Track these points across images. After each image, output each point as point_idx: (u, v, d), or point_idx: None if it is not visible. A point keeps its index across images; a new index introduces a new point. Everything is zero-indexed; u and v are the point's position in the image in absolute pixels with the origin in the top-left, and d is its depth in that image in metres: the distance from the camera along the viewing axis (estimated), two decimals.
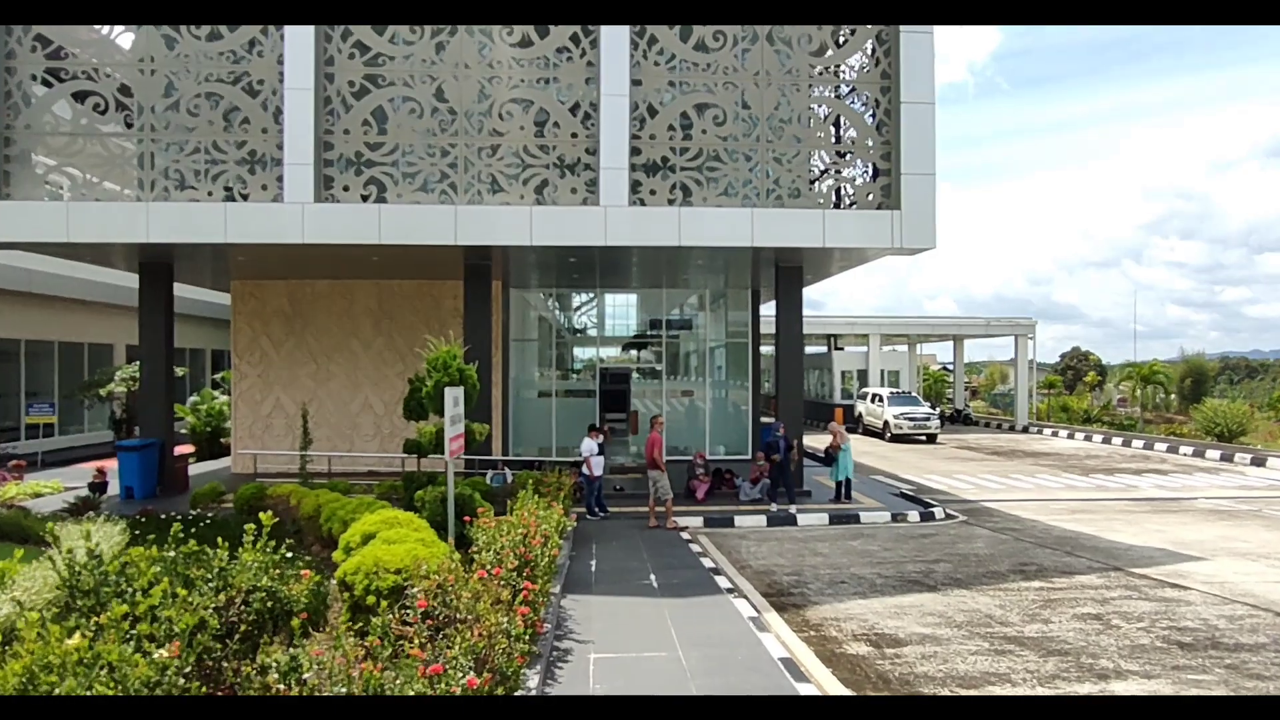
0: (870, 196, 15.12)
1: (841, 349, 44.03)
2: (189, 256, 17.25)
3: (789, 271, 17.23)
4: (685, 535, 13.25)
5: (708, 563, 10.95)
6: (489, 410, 17.12)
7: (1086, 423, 37.30)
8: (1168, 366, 41.60)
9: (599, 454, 15.26)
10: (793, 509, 15.40)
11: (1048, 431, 34.28)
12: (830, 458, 16.66)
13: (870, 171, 15.31)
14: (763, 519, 14.87)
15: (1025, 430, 35.49)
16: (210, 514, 12.87)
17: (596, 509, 15.07)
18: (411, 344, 20.55)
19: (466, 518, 8.56)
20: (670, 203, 14.89)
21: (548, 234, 14.70)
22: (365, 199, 14.92)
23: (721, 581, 9.78)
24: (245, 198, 14.93)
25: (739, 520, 14.76)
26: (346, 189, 14.97)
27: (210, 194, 14.90)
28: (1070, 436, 32.42)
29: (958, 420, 40.43)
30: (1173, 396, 45.69)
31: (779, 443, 15.85)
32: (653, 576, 10.00)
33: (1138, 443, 28.68)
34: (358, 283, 20.79)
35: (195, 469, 21.27)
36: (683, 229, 14.67)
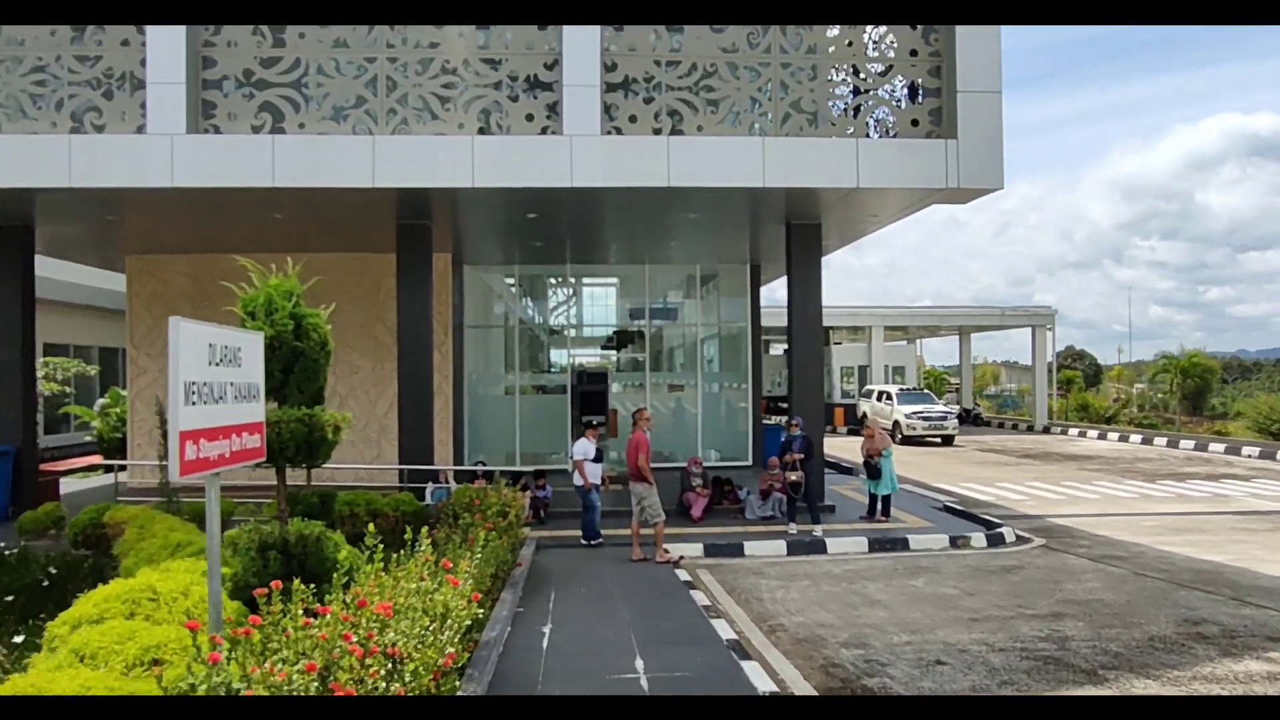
0: (916, 123, 11.65)
1: (839, 343, 40.66)
2: (50, 214, 13.55)
3: (804, 232, 13.73)
4: (683, 573, 9.69)
5: (723, 628, 7.23)
6: (429, 408, 13.53)
7: (1107, 422, 34.04)
8: (1210, 359, 38.30)
9: (596, 459, 11.64)
10: (818, 530, 11.91)
11: (1073, 431, 30.93)
12: (872, 468, 13.13)
13: (914, 91, 11.84)
14: (781, 544, 11.36)
15: (1046, 430, 32.13)
16: (10, 550, 9.18)
17: (592, 537, 11.50)
18: (344, 332, 16.85)
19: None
20: (656, 132, 11.38)
21: (495, 172, 11.14)
22: (257, 130, 11.36)
23: (753, 673, 6.04)
24: (100, 130, 11.37)
25: (750, 546, 11.25)
26: (232, 117, 11.41)
27: (55, 125, 11.38)
28: (1102, 437, 29.08)
29: (967, 420, 37.03)
30: (1172, 396, 42.73)
31: (795, 444, 12.35)
32: (640, 663, 6.28)
33: (1186, 443, 25.34)
34: (276, 257, 16.83)
35: (86, 484, 17.48)
36: (672, 165, 11.14)
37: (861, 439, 13.41)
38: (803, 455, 12.21)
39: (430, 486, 13.22)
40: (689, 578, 9.37)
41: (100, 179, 11.18)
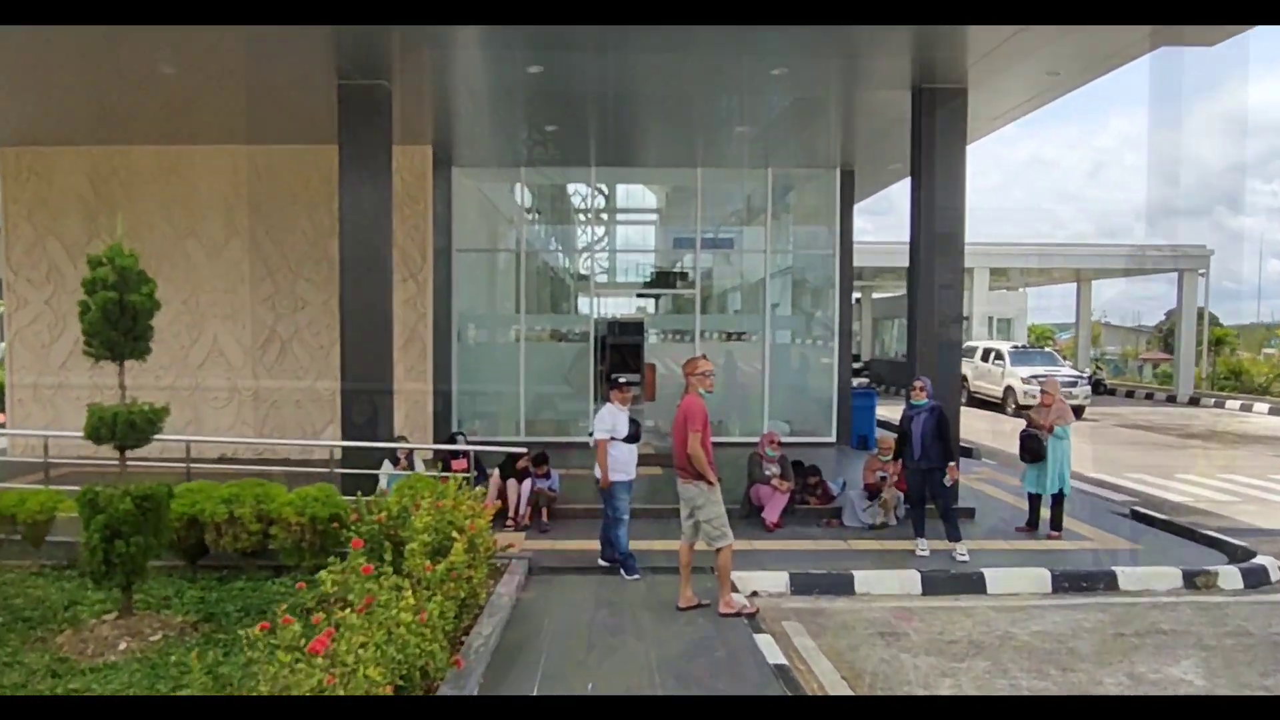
0: None
1: None
2: None
3: (941, 100, 9.10)
4: (766, 640, 5.35)
5: None
6: (386, 356, 9.35)
7: (1263, 393, 28.00)
8: None
9: (631, 437, 7.24)
10: (962, 551, 7.51)
11: (1231, 404, 25.21)
12: (1034, 450, 8.54)
13: None
14: (912, 575, 6.98)
15: (1194, 402, 26.42)
16: None
17: (619, 560, 7.20)
18: (287, 252, 12.66)
19: None
20: None
21: None
22: None
23: None
24: None
25: (863, 579, 6.90)
26: None
27: None
28: (1275, 411, 23.49)
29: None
30: None
31: (919, 418, 7.90)
32: None
33: None
34: (200, 151, 12.65)
35: None
36: None
37: (1050, 403, 8.69)
38: (926, 464, 7.76)
39: (385, 471, 9.11)
40: (781, 656, 5.04)
41: None
